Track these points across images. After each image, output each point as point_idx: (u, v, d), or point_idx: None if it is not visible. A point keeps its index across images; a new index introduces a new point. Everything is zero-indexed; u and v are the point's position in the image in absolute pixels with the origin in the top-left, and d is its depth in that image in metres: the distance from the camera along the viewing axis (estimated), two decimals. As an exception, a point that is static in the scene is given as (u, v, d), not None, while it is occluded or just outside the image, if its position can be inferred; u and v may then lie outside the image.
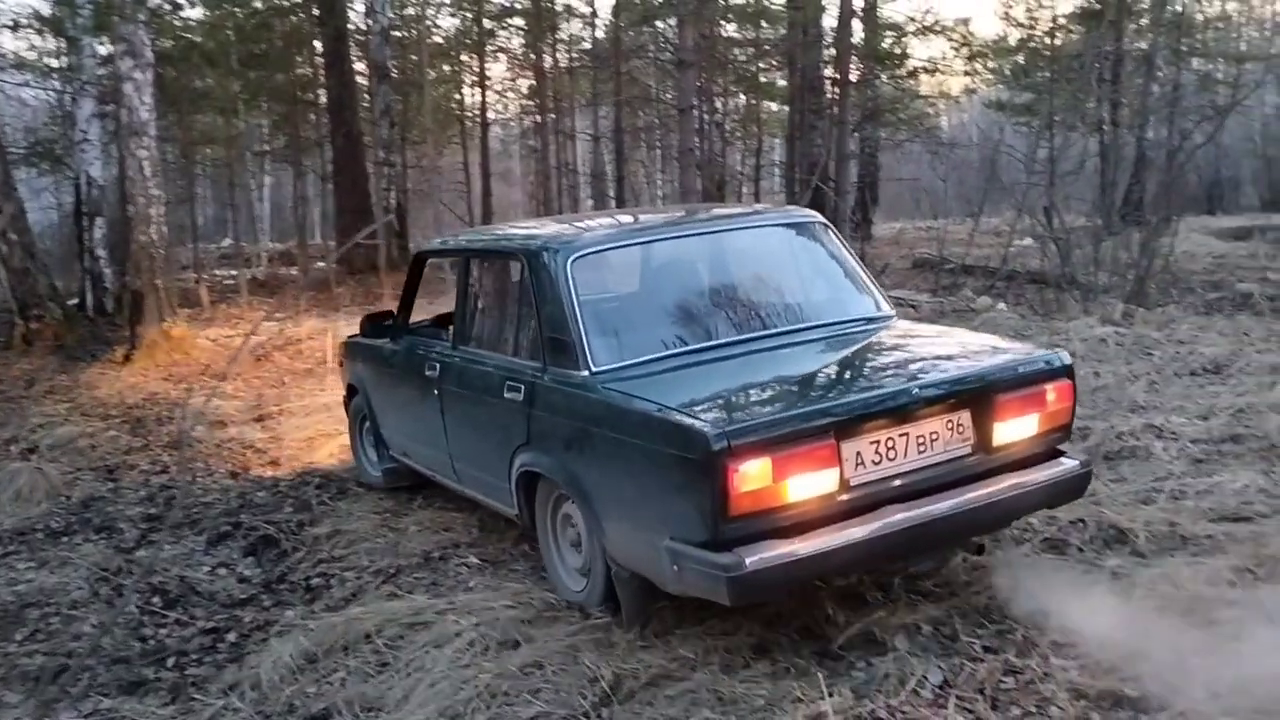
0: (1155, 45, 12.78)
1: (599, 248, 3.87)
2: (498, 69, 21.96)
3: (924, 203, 18.37)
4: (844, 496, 3.10)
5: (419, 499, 4.97)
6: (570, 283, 3.62)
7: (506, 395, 3.80)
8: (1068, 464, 3.50)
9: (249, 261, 16.66)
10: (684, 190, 11.72)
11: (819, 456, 3.04)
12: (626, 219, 4.69)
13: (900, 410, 3.20)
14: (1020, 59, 15.62)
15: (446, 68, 19.94)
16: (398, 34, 17.19)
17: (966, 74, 16.86)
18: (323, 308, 10.88)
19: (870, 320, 3.99)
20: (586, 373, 3.49)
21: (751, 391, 3.44)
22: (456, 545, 4.39)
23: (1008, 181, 12.61)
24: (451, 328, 4.49)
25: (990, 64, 16.42)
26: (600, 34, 19.09)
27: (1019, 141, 16.93)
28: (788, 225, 4.33)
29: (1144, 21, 12.72)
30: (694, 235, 4.23)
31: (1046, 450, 3.51)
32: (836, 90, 13.79)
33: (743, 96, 18.67)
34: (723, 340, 3.71)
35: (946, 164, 16.26)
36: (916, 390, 3.26)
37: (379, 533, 4.62)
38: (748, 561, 2.92)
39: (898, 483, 3.20)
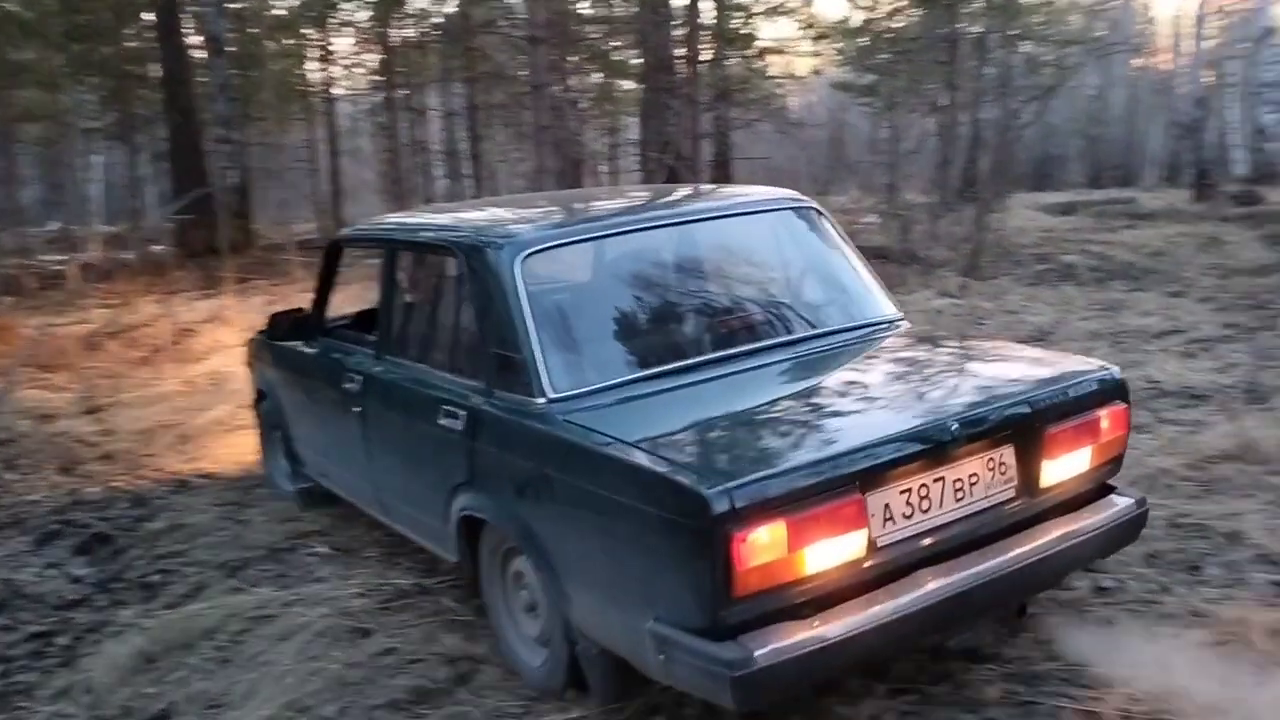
0: (988, 29, 13.34)
1: (554, 242, 3.15)
2: (344, 43, 21.27)
3: (776, 182, 18.78)
4: (871, 562, 2.52)
5: (263, 487, 4.82)
6: (519, 286, 2.97)
7: (442, 422, 3.14)
8: (1121, 503, 2.99)
9: (78, 246, 15.72)
10: (539, 169, 11.65)
11: (844, 516, 2.43)
12: (582, 204, 4.01)
13: (937, 450, 2.60)
14: (863, 41, 16.06)
15: (288, 41, 19.21)
16: (234, 5, 16.46)
17: (812, 55, 17.29)
18: (159, 292, 10.37)
19: (878, 325, 3.41)
20: (542, 400, 2.84)
21: (753, 428, 2.81)
22: (305, 535, 4.27)
23: (853, 160, 13.02)
24: (375, 331, 3.78)
25: (835, 45, 16.86)
26: (450, 8, 18.73)
27: (863, 122, 17.49)
28: (777, 212, 3.66)
29: (977, 6, 13.25)
30: (669, 225, 3.48)
31: (1097, 487, 3.00)
32: (687, 70, 13.93)
33: (596, 74, 18.64)
34: (710, 357, 3.07)
35: (796, 143, 16.67)
36: (956, 426, 2.62)
37: (221, 525, 4.45)
38: (757, 655, 2.32)
39: (931, 539, 2.62)
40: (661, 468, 2.46)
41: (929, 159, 13.61)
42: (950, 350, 3.52)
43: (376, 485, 3.75)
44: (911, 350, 3.34)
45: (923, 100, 13.54)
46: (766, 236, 3.63)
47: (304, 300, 4.40)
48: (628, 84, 19.20)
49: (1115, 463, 3.04)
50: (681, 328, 3.27)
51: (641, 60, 15.92)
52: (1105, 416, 2.91)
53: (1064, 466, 2.86)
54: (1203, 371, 5.72)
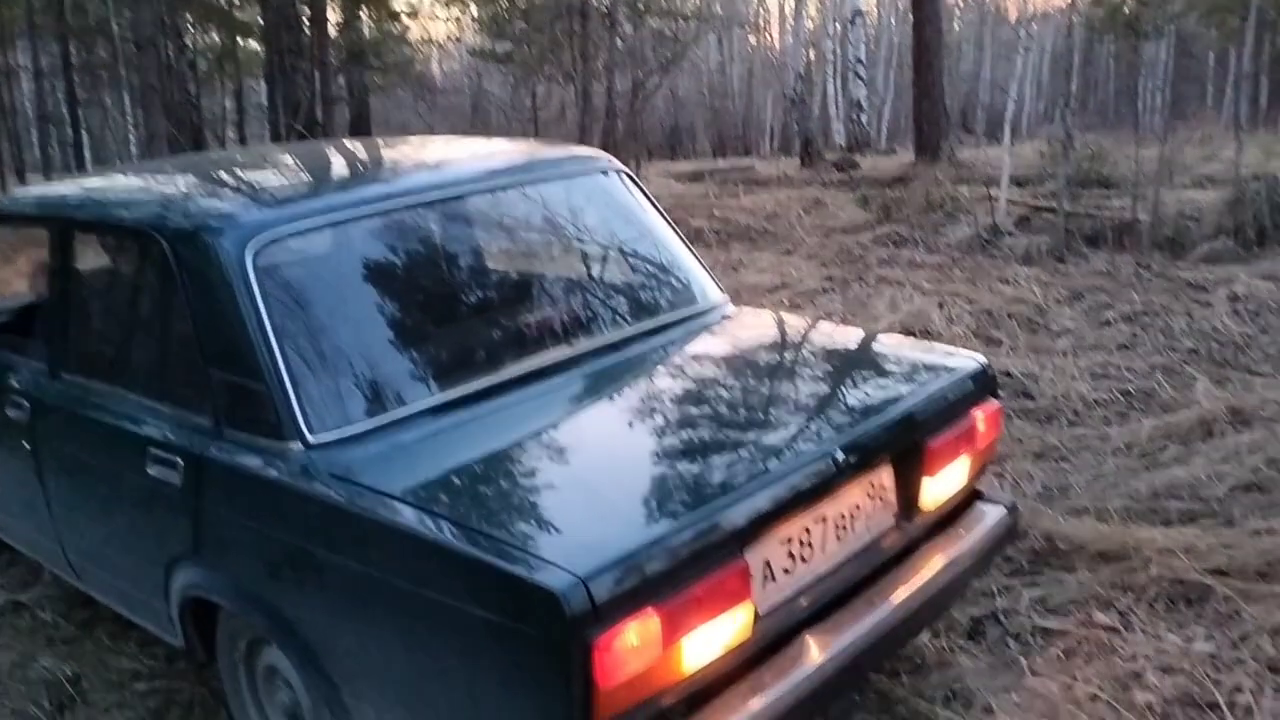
0: (616, 3, 13.80)
1: (297, 224, 2.36)
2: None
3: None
4: (754, 637, 2.01)
5: None
6: (253, 287, 2.22)
7: (152, 471, 2.38)
8: (993, 511, 2.64)
9: None
10: (150, 135, 10.65)
11: (728, 588, 1.90)
12: (327, 166, 3.12)
13: (822, 486, 2.13)
14: (496, 8, 16.10)
15: None
16: None
17: (448, 20, 17.09)
18: None
19: (708, 314, 2.90)
20: (298, 446, 2.13)
21: (593, 478, 2.12)
22: None
23: (494, 127, 13.05)
24: (45, 338, 2.86)
25: (469, 13, 16.78)
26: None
27: (504, 89, 17.57)
28: (578, 177, 3.01)
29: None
30: (446, 199, 2.66)
31: (967, 497, 2.64)
32: (314, 30, 13.27)
33: (215, 33, 17.30)
34: (520, 372, 2.42)
35: (437, 110, 16.44)
36: (842, 455, 2.15)
37: None
38: None
39: (812, 594, 2.15)
40: (483, 549, 1.79)
41: (570, 127, 13.94)
42: (801, 344, 2.95)
43: (64, 544, 2.90)
44: (756, 346, 2.85)
45: (558, 69, 13.82)
46: (569, 208, 2.98)
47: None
48: (252, 44, 18.02)
49: (987, 466, 2.74)
50: (480, 336, 2.57)
51: (263, 19, 14.97)
52: (981, 418, 2.54)
53: (945, 482, 2.47)
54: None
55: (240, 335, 2.21)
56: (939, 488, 2.46)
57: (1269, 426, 4.01)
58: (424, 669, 1.95)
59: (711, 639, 1.91)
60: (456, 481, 2.09)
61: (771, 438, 2.26)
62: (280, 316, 2.23)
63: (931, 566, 2.39)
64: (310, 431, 2.14)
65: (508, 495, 2.06)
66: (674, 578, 1.82)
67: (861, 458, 2.22)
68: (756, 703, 1.96)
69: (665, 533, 1.86)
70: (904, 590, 2.30)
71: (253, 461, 2.20)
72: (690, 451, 2.20)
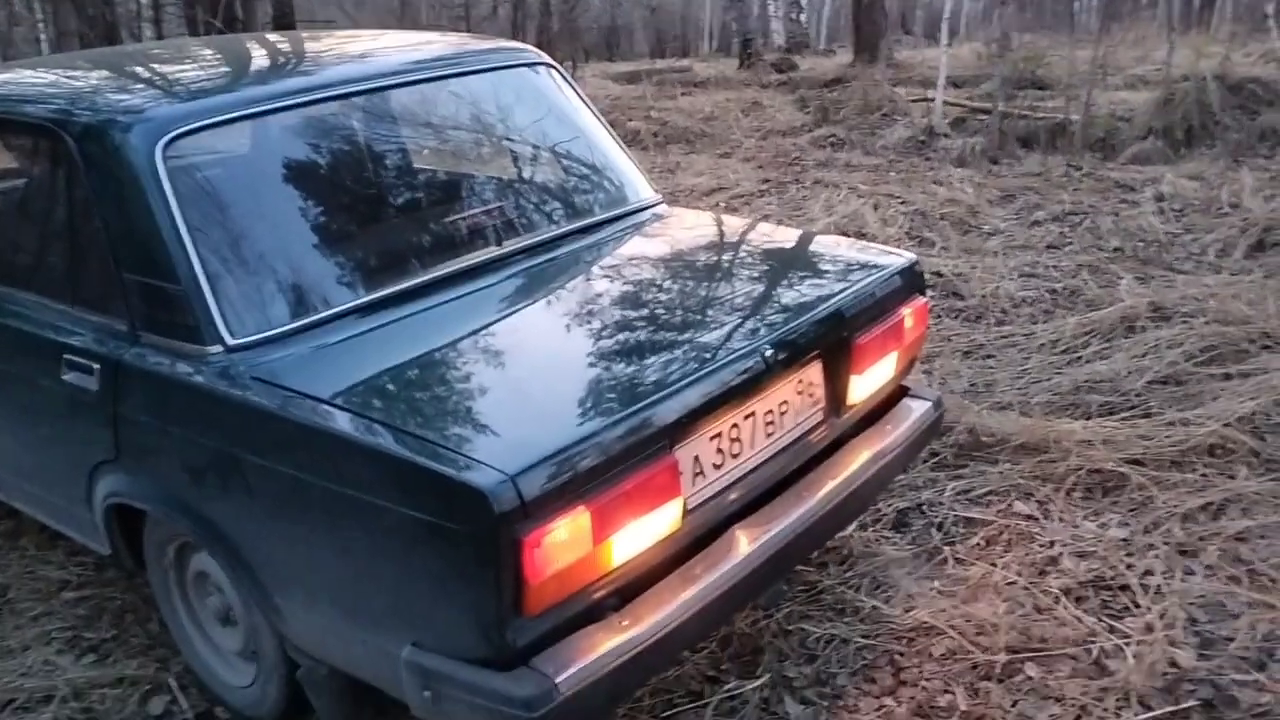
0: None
1: (211, 118, 2.28)
2: None
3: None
4: (683, 530, 2.04)
5: None
6: (164, 184, 2.14)
7: (67, 377, 2.32)
8: (919, 407, 2.69)
9: None
10: (60, 33, 10.13)
11: (657, 484, 1.92)
12: (236, 58, 2.96)
13: (752, 382, 2.15)
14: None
15: None
16: None
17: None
18: None
19: (639, 212, 2.87)
20: (217, 349, 2.09)
21: (521, 378, 2.13)
22: None
23: (426, 25, 12.64)
24: None
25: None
26: None
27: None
28: (512, 69, 2.92)
29: None
30: (370, 92, 2.59)
31: (893, 391, 2.70)
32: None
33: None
34: (444, 272, 2.38)
35: (364, 6, 15.85)
36: (770, 350, 2.17)
37: None
38: (560, 683, 1.78)
39: (741, 489, 2.20)
40: (412, 450, 1.79)
41: (503, 25, 13.54)
42: (734, 243, 2.94)
43: None
44: (688, 246, 2.82)
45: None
46: (501, 103, 2.91)
47: None
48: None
49: (913, 362, 2.79)
50: (407, 236, 2.52)
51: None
52: (909, 314, 2.57)
53: (872, 378, 2.51)
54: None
55: (153, 236, 2.13)
56: (866, 384, 2.50)
57: (1187, 322, 4.12)
58: (355, 570, 1.95)
59: (641, 534, 1.93)
60: (383, 384, 2.05)
61: (702, 336, 2.26)
62: (195, 215, 2.15)
63: (858, 461, 2.44)
64: (230, 334, 2.09)
65: (435, 397, 2.04)
66: (603, 475, 1.83)
67: (790, 355, 2.23)
68: (687, 593, 2.00)
69: (594, 430, 1.87)
70: (831, 484, 2.35)
71: (171, 366, 2.15)
72: (620, 351, 2.19)
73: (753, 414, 2.19)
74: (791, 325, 2.29)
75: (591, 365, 2.15)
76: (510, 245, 2.55)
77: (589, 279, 2.57)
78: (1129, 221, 5.65)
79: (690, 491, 2.06)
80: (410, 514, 1.79)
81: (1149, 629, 2.51)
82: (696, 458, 2.08)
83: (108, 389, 2.25)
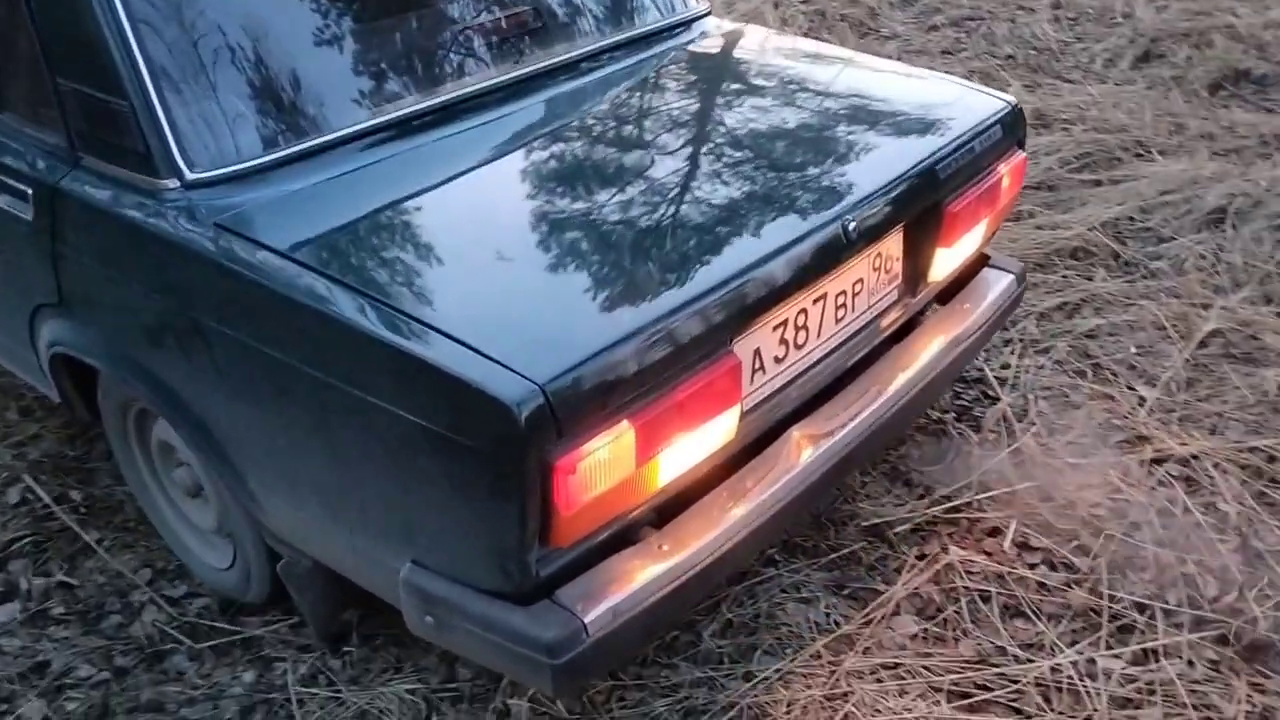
0: None
1: None
2: None
3: None
4: (737, 438, 1.75)
5: None
6: None
7: (1, 202, 1.99)
8: (1001, 281, 2.32)
9: None
10: None
11: (716, 389, 1.60)
12: None
13: (828, 260, 1.78)
14: None
15: None
16: None
17: None
18: None
19: (685, 28, 2.44)
20: (173, 184, 1.73)
21: (553, 252, 1.69)
22: None
23: None
24: None
25: None
26: None
27: None
28: None
29: None
30: None
31: (975, 262, 2.33)
32: None
33: None
34: (447, 99, 1.98)
35: None
36: (854, 223, 1.79)
37: None
38: (589, 621, 1.51)
39: (802, 383, 1.88)
40: (414, 339, 1.46)
41: None
42: (796, 71, 2.37)
43: None
44: (745, 72, 2.35)
45: None
46: None
47: None
48: None
49: (998, 229, 2.43)
50: (401, 50, 2.02)
51: None
52: (1007, 173, 2.18)
53: (960, 250, 2.13)
54: None
55: (98, 40, 1.72)
56: (953, 257, 2.12)
57: (1067, 130, 4.19)
58: (344, 472, 1.64)
59: (693, 448, 1.63)
60: (376, 245, 1.67)
61: (770, 198, 1.83)
62: (146, 14, 1.73)
63: (932, 348, 2.09)
64: (188, 167, 1.72)
65: (443, 270, 1.64)
66: (652, 380, 1.50)
67: (877, 225, 1.85)
68: (738, 511, 1.71)
69: (642, 323, 1.50)
70: (902, 378, 2.01)
71: (116, 200, 1.78)
72: (668, 216, 1.75)
73: (823, 296, 1.83)
74: (880, 188, 1.87)
75: (636, 234, 1.71)
76: (527, 65, 2.14)
77: (627, 115, 2.13)
78: (1024, 29, 5.63)
79: (747, 391, 1.75)
80: (411, 419, 1.47)
81: (1003, 419, 2.66)
82: (757, 351, 1.75)
83: (43, 219, 1.91)
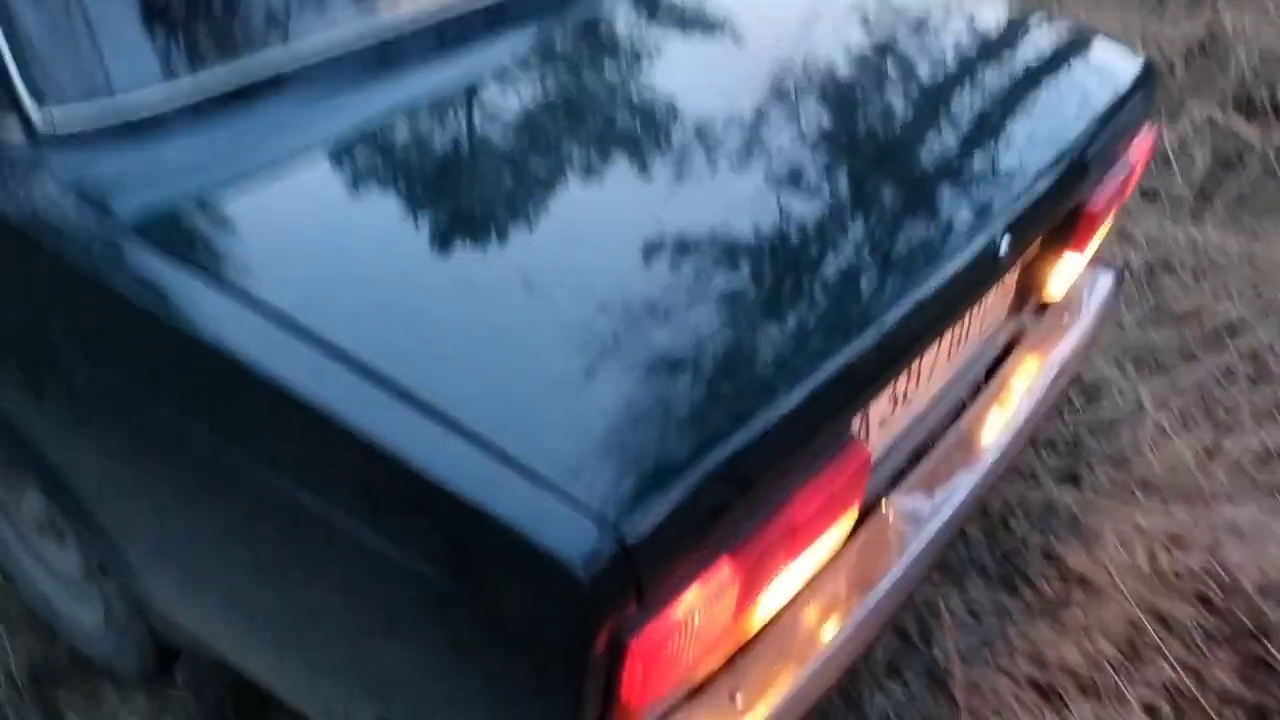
0: None
1: None
2: None
3: None
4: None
5: None
6: None
7: None
8: (1105, 281, 1.80)
9: None
10: None
11: (841, 491, 1.11)
12: None
13: (975, 293, 1.32)
14: None
15: None
16: None
17: None
18: None
19: None
20: (17, 137, 1.12)
21: (583, 296, 1.06)
22: None
23: None
24: None
25: None
26: None
27: None
28: None
29: None
30: None
31: None
32: None
33: None
34: (410, 29, 1.36)
35: None
36: (1006, 241, 1.27)
37: None
38: None
39: (904, 446, 1.41)
40: (397, 431, 0.90)
41: None
42: (884, 15, 1.71)
43: None
44: (818, 13, 1.68)
45: None
46: None
47: None
48: None
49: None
50: None
51: None
52: (1138, 154, 1.68)
53: (1088, 252, 1.65)
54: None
55: None
56: (1079, 263, 1.63)
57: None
58: (274, 583, 1.10)
59: (799, 573, 1.14)
60: (327, 250, 1.08)
61: (896, 217, 1.25)
62: None
63: (1039, 378, 1.59)
64: (41, 116, 1.11)
65: (440, 315, 1.02)
66: (764, 497, 1.00)
67: (1027, 240, 1.36)
68: (829, 632, 1.22)
69: (749, 415, 0.96)
70: (1006, 419, 1.52)
71: None
72: (766, 258, 1.14)
73: (940, 334, 1.31)
74: (1034, 191, 1.34)
75: (724, 282, 1.10)
76: None
77: (675, 62, 1.49)
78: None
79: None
80: (391, 554, 0.92)
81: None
82: (864, 419, 1.25)
83: None
